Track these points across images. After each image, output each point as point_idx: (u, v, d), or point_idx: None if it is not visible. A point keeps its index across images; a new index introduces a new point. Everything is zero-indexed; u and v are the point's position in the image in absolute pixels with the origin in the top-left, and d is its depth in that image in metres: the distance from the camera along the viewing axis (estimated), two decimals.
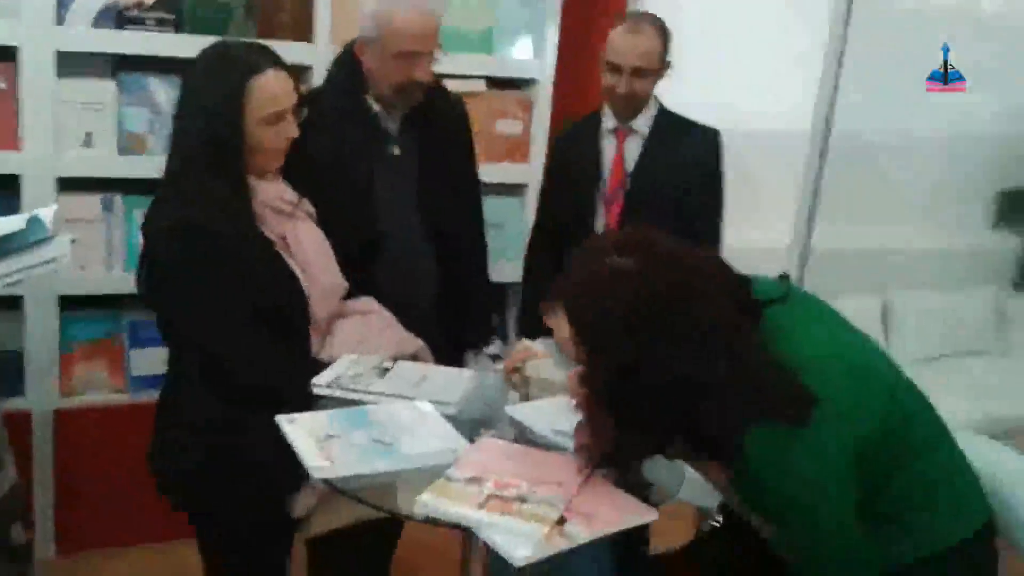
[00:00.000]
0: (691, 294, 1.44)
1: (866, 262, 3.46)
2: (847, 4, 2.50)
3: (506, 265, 3.13)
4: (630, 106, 2.62)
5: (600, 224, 2.65)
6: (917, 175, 3.66)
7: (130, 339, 2.87)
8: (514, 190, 3.28)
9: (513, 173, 3.24)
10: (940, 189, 3.84)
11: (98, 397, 2.85)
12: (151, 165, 2.70)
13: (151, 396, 2.81)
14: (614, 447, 1.54)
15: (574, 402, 1.94)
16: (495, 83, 3.20)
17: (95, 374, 2.86)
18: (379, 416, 1.76)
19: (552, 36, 3.20)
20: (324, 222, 2.18)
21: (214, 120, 1.95)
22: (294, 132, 2.02)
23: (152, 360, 2.86)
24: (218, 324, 1.94)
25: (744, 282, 1.56)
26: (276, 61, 2.01)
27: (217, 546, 2.10)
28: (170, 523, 2.19)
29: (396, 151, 2.41)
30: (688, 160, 2.63)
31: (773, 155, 3.17)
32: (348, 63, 2.40)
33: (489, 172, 2.86)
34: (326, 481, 1.61)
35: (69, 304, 2.79)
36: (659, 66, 2.59)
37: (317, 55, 2.81)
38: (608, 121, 2.67)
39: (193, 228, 1.91)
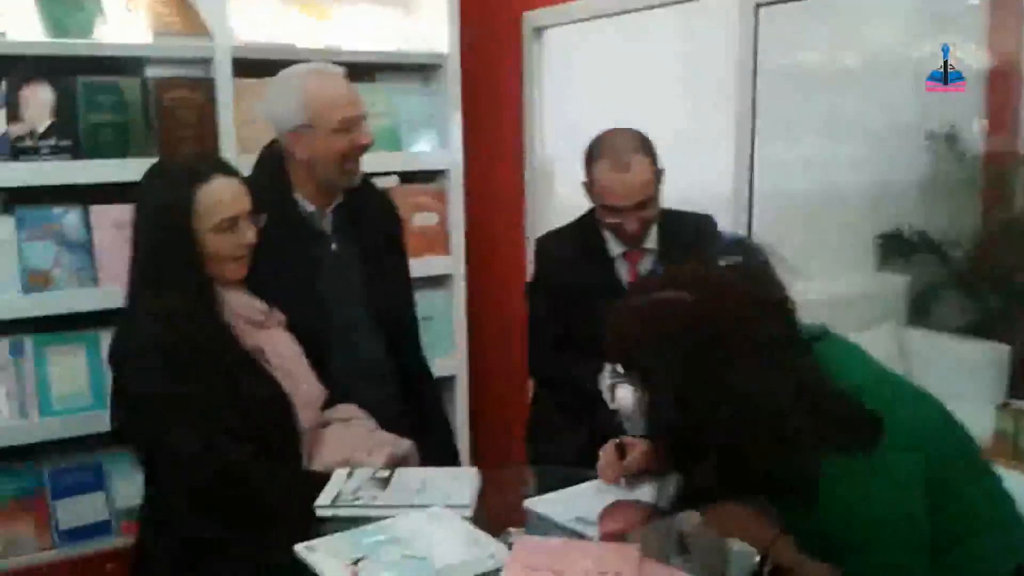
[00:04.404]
0: (749, 319, 1.43)
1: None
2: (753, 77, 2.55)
3: (439, 359, 3.06)
4: (640, 235, 2.35)
5: None
6: (812, 229, 3.79)
7: (53, 491, 2.63)
8: (439, 282, 3.22)
9: (436, 265, 3.19)
10: (828, 238, 3.99)
11: (24, 559, 2.58)
12: (60, 301, 2.57)
13: (80, 550, 2.63)
14: (681, 490, 1.50)
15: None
16: (405, 178, 3.15)
17: (19, 533, 2.59)
18: (399, 530, 1.64)
19: (456, 125, 3.18)
20: None
21: (163, 232, 1.89)
22: (252, 238, 1.98)
23: (79, 511, 2.65)
24: (208, 443, 1.80)
25: (791, 317, 1.54)
26: (223, 168, 1.97)
27: None
28: None
29: (334, 247, 2.35)
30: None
31: None
32: (270, 166, 2.34)
33: (413, 267, 2.78)
34: None
35: None
36: (658, 183, 2.30)
37: None
38: (614, 247, 2.39)
39: (167, 344, 1.80)
